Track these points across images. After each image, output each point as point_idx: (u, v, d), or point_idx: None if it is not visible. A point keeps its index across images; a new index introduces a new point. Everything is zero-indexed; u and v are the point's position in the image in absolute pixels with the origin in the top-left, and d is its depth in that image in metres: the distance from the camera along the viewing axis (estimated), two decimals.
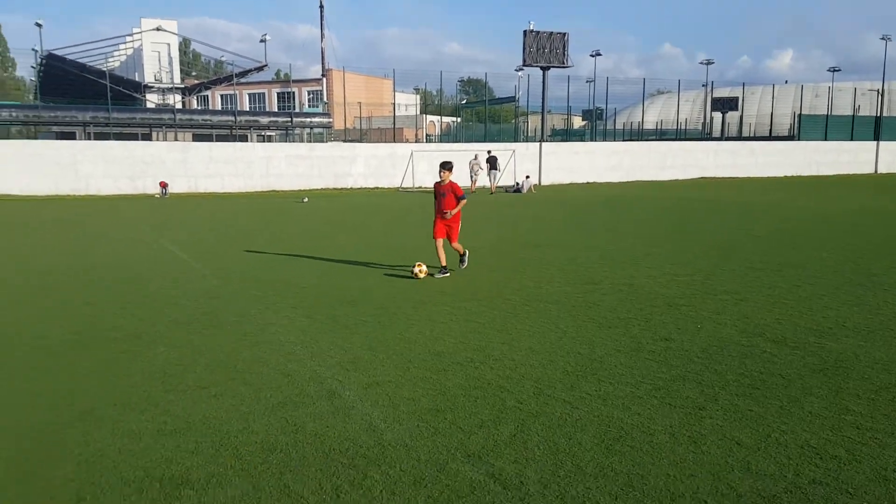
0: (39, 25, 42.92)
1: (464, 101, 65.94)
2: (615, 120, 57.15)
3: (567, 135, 49.24)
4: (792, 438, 4.10)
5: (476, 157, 32.96)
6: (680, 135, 50.83)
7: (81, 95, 44.42)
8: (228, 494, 3.48)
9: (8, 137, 39.03)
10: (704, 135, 52.15)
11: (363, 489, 3.53)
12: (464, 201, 9.87)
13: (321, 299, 8.29)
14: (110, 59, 55.07)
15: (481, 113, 50.50)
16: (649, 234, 14.79)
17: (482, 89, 52.09)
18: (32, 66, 47.30)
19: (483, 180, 32.85)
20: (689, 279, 9.27)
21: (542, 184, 39.36)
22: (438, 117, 58.12)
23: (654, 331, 6.62)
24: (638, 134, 51.86)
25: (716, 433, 4.16)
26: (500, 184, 35.84)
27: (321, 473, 3.71)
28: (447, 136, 55.14)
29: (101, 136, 37.57)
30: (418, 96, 67.22)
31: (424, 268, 9.64)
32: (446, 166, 9.95)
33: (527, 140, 44.67)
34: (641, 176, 41.85)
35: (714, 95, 50.15)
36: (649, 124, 54.51)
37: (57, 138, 41.63)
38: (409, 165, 36.57)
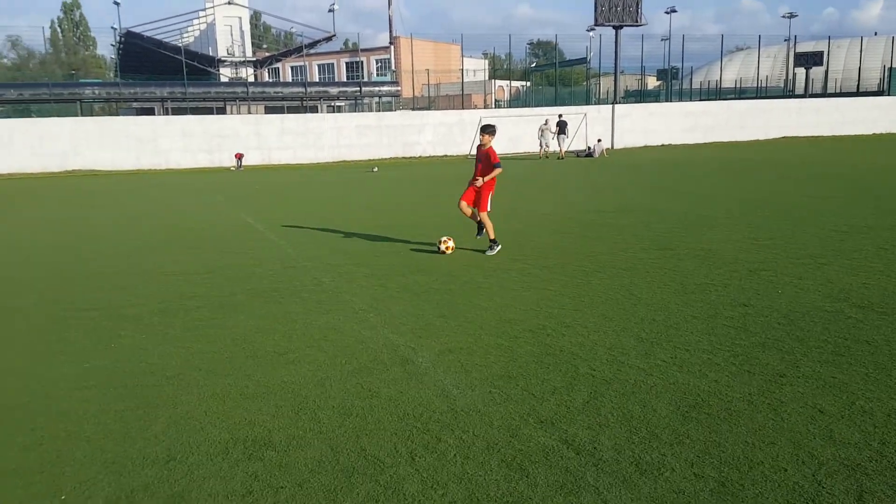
0: (117, 4, 44.38)
1: (533, 65, 64.74)
2: (691, 79, 55.05)
3: (641, 96, 47.85)
4: (878, 406, 3.92)
5: (546, 122, 32.44)
6: (760, 93, 48.68)
7: (159, 71, 45.89)
8: (308, 456, 3.60)
9: (91, 114, 40.81)
10: (786, 92, 49.73)
11: (437, 453, 3.59)
12: (498, 170, 9.08)
13: (393, 268, 8.39)
14: (185, 35, 56.57)
15: (551, 76, 49.57)
16: (727, 197, 14.29)
17: (552, 51, 51.01)
18: (112, 45, 49.21)
19: (554, 145, 32.34)
20: (769, 243, 8.93)
21: (615, 147, 38.51)
22: (507, 82, 57.34)
23: (733, 296, 6.42)
24: (715, 93, 49.84)
25: (797, 401, 4.03)
26: (570, 148, 35.26)
27: (396, 437, 3.79)
28: (516, 100, 54.46)
29: (178, 111, 38.80)
30: (487, 61, 66.43)
31: (451, 243, 9.14)
32: (486, 130, 9.20)
33: (598, 103, 43.64)
34: (719, 137, 40.39)
35: (797, 50, 47.61)
36: (727, 83, 52.25)
37: (137, 114, 43.29)
38: (478, 132, 36.38)
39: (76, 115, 36.26)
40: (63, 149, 31.28)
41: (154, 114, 42.26)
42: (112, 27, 46.77)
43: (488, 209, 9.15)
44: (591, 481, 3.21)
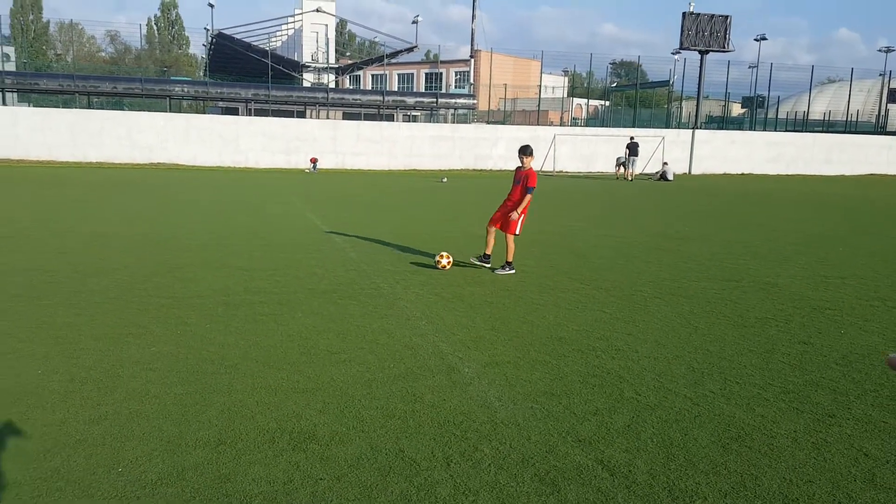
0: (212, 6, 46.35)
1: (614, 84, 64.03)
2: (777, 109, 53.44)
3: (723, 122, 46.74)
4: None
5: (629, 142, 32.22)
6: (849, 127, 46.81)
7: (245, 73, 47.52)
8: (349, 452, 3.73)
9: (179, 110, 42.60)
10: (878, 129, 47.68)
11: (473, 461, 3.67)
12: (529, 196, 8.82)
13: (450, 278, 8.51)
14: (273, 39, 58.38)
15: (631, 97, 48.95)
16: (804, 232, 13.86)
17: (634, 72, 50.28)
18: (204, 45, 51.22)
19: (633, 167, 31.97)
20: (839, 282, 8.64)
21: (692, 173, 37.83)
22: (586, 100, 56.94)
23: (793, 333, 6.26)
24: (802, 125, 48.24)
25: (843, 442, 3.93)
26: (645, 171, 34.79)
27: (434, 442, 3.89)
28: (594, 119, 54.01)
29: (260, 112, 40.09)
30: (566, 78, 66.13)
31: (445, 262, 8.87)
32: (527, 151, 9.00)
33: (679, 126, 42.87)
34: (803, 170, 39.13)
35: (892, 86, 45.60)
36: (816, 115, 50.47)
37: (222, 113, 44.96)
38: (552, 149, 36.23)
39: (165, 111, 37.95)
40: (150, 142, 32.78)
41: (238, 114, 43.82)
42: (205, 28, 48.88)
43: (517, 233, 8.99)
44: (622, 502, 3.23)
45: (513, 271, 8.97)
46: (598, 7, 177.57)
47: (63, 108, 35.56)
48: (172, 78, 46.40)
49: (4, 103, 39.14)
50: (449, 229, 13.09)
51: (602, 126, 44.37)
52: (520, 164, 9.07)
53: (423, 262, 9.45)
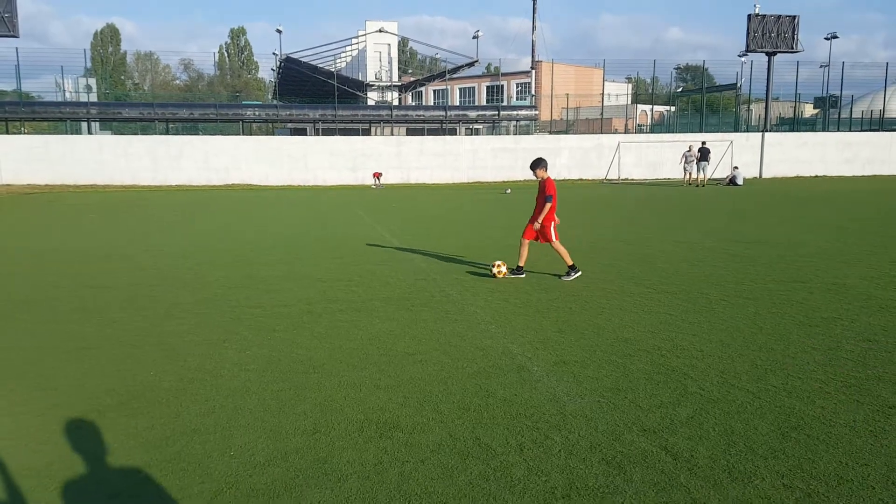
0: (279, 31, 48.07)
1: (679, 89, 63.15)
2: (851, 108, 51.68)
3: (795, 124, 45.52)
4: None
5: (690, 148, 31.85)
6: None
7: (312, 94, 49.03)
8: (430, 439, 4.11)
9: (250, 133, 44.32)
10: None
11: (544, 447, 3.99)
12: (548, 205, 9.07)
13: (516, 285, 8.83)
14: (338, 60, 60.03)
15: (698, 101, 48.24)
16: (877, 233, 13.59)
17: (700, 76, 49.57)
18: (272, 69, 53.10)
19: (696, 172, 31.60)
20: None
21: (763, 176, 37.02)
22: (650, 106, 56.37)
23: (858, 332, 6.33)
24: (878, 124, 46.51)
25: None
26: (714, 176, 34.29)
27: (508, 431, 4.22)
28: (659, 125, 53.41)
29: (327, 132, 41.33)
30: (630, 85, 65.60)
31: (496, 270, 9.20)
32: (536, 164, 9.25)
33: (748, 130, 42.02)
34: (879, 170, 37.78)
35: None
36: (892, 113, 48.62)
37: (290, 134, 46.50)
38: (616, 157, 36.10)
39: (238, 134, 39.59)
40: (225, 164, 34.28)
41: (306, 134, 45.28)
42: (273, 53, 50.77)
43: (554, 238, 9.26)
44: (683, 482, 3.50)
45: (579, 273, 9.24)
46: (662, 12, 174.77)
47: (142, 134, 37.57)
48: (244, 102, 48.36)
49: (90, 132, 41.60)
50: (513, 239, 13.39)
51: (668, 132, 43.88)
52: (537, 179, 9.34)
53: (489, 271, 9.79)
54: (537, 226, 9.21)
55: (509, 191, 28.93)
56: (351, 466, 3.77)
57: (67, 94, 43.35)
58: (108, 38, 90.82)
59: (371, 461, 3.83)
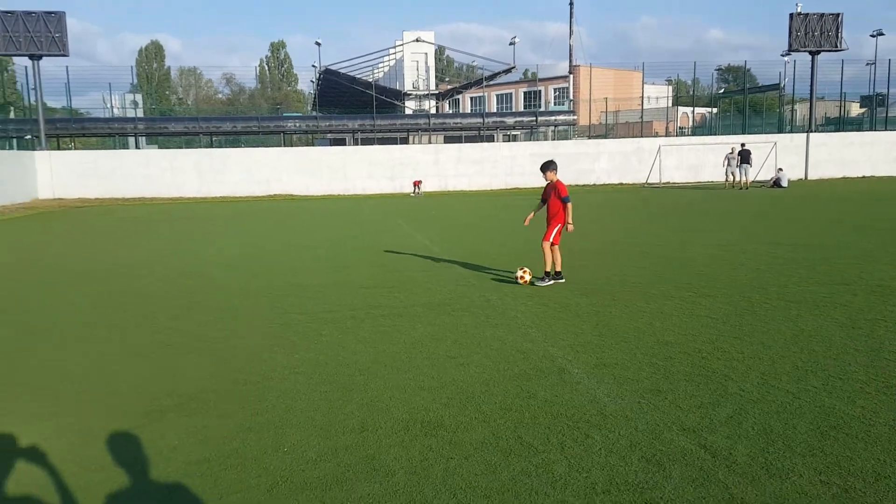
0: (318, 44, 48.94)
1: (721, 91, 62.22)
2: None
3: (841, 124, 44.53)
4: None
5: (732, 150, 31.48)
6: None
7: (351, 105, 49.68)
8: (473, 437, 4.25)
9: (290, 144, 45.12)
10: None
11: (584, 446, 4.09)
12: (569, 204, 9.18)
13: (555, 290, 8.92)
14: (376, 71, 60.77)
15: (740, 102, 47.55)
16: None
17: (742, 77, 48.77)
18: (312, 81, 53.99)
19: (738, 175, 31.17)
20: None
21: (809, 178, 36.32)
22: (691, 108, 55.74)
23: None
24: None
25: None
26: (757, 178, 33.79)
27: (549, 430, 4.34)
28: (701, 128, 52.77)
29: (366, 141, 41.90)
30: (670, 87, 64.97)
31: (527, 277, 9.19)
32: (546, 167, 9.33)
33: (793, 131, 41.28)
34: None
35: None
36: None
37: (330, 144, 47.18)
38: (657, 160, 35.80)
39: (278, 146, 40.37)
40: (267, 175, 34.97)
41: (345, 144, 45.92)
42: (312, 65, 51.53)
43: (550, 240, 9.28)
44: (721, 478, 3.58)
45: (552, 282, 9.21)
46: (702, 13, 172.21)
47: (187, 148, 38.57)
48: (285, 114, 49.25)
49: (137, 146, 42.85)
50: None
51: (710, 134, 43.35)
52: (546, 181, 9.44)
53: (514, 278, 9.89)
54: (571, 228, 9.29)
55: None
56: (398, 462, 3.94)
57: (115, 110, 44.76)
58: (152, 54, 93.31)
59: (417, 457, 3.99)
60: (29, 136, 36.81)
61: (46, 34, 32.52)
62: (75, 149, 39.27)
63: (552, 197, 9.35)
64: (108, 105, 44.34)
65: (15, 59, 35.72)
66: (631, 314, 7.49)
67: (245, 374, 5.69)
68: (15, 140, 38.10)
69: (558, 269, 9.46)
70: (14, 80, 45.32)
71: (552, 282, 9.24)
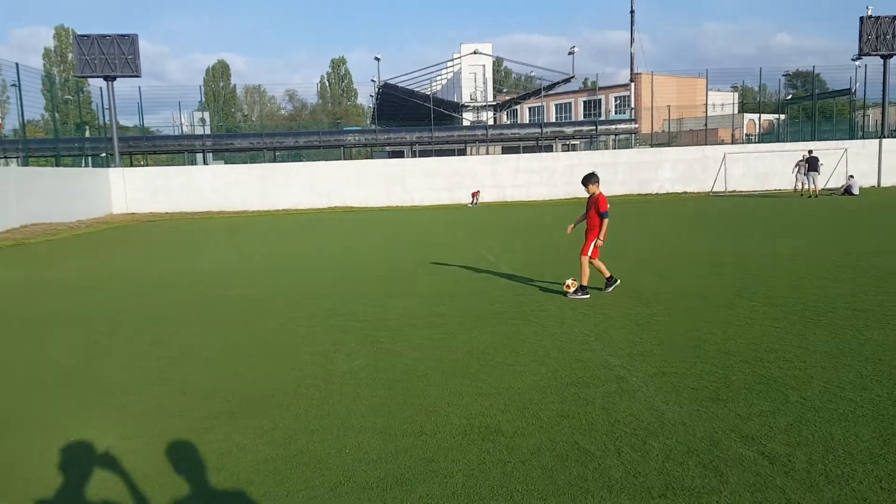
0: (377, 59, 49.74)
1: (789, 97, 60.51)
2: None
3: None
4: None
5: (803, 157, 30.61)
6: None
7: (409, 118, 50.29)
8: (530, 443, 4.32)
9: (350, 157, 45.93)
10: None
11: (642, 452, 4.11)
12: (605, 221, 9.09)
13: (615, 300, 8.89)
14: (434, 83, 61.33)
15: (809, 108, 46.16)
16: None
17: (811, 82, 47.35)
18: (371, 95, 54.88)
19: (807, 183, 30.28)
20: None
21: (882, 185, 35.00)
22: (757, 115, 54.35)
23: None
24: None
25: None
26: (828, 186, 32.75)
27: (606, 437, 4.37)
28: (768, 135, 51.43)
29: (424, 154, 42.30)
30: (735, 94, 63.51)
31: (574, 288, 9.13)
32: (588, 180, 9.26)
33: (864, 137, 39.83)
34: None
35: None
36: None
37: (388, 157, 47.82)
38: (722, 168, 35.06)
39: (339, 159, 41.16)
40: (328, 188, 35.71)
41: (403, 156, 46.49)
42: (371, 80, 52.44)
43: (588, 254, 9.21)
44: (779, 484, 3.56)
45: (587, 296, 9.07)
46: (770, 18, 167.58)
47: (251, 163, 39.72)
48: (345, 129, 50.20)
49: (204, 162, 44.36)
50: (607, 253, 13.37)
51: (777, 141, 42.19)
52: (588, 194, 9.34)
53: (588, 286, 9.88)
54: (601, 243, 9.18)
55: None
56: (456, 465, 4.03)
57: (184, 128, 46.48)
58: (219, 73, 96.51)
59: (475, 461, 4.08)
60: (104, 154, 38.55)
61: (120, 56, 34.04)
62: (146, 165, 40.88)
63: (592, 210, 9.28)
64: (178, 123, 46.10)
65: (90, 80, 37.43)
66: (692, 323, 7.41)
67: (309, 378, 5.89)
68: (90, 158, 39.96)
69: (607, 275, 9.39)
70: (90, 101, 47.59)
71: (585, 296, 9.10)
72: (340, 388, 5.58)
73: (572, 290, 9.15)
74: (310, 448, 4.38)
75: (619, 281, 9.44)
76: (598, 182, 9.34)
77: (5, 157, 37.25)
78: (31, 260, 16.33)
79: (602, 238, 9.21)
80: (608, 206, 9.23)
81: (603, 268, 9.41)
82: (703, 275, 10.46)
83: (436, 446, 4.32)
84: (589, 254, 9.27)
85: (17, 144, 37.31)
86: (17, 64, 28.06)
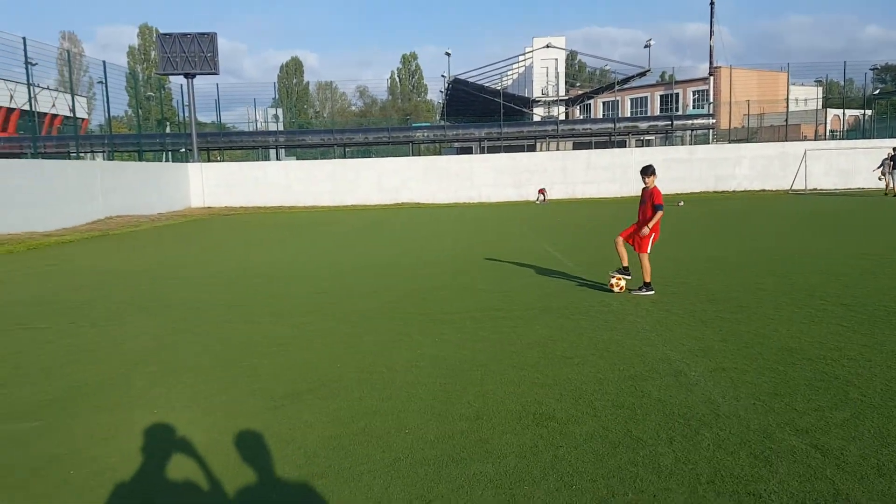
0: (448, 55, 50.01)
1: (877, 91, 57.81)
2: None
3: None
4: None
5: (889, 155, 29.27)
6: None
7: (478, 113, 50.45)
8: (583, 430, 4.45)
9: (419, 154, 46.46)
10: None
11: (693, 441, 4.19)
12: (659, 213, 9.01)
13: (680, 296, 8.85)
14: (504, 78, 61.27)
15: None
16: None
17: None
18: (441, 91, 55.24)
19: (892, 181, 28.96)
20: None
21: None
22: (842, 110, 52.17)
23: None
24: None
25: None
26: None
27: (659, 426, 4.46)
28: (854, 131, 49.31)
29: (492, 150, 42.41)
30: (819, 88, 61.11)
31: (623, 283, 9.25)
32: (647, 171, 9.25)
33: None
34: None
35: None
36: None
37: (457, 153, 48.09)
38: (802, 165, 33.88)
39: (407, 155, 41.72)
40: (396, 184, 36.27)
41: (472, 152, 46.68)
42: (442, 75, 52.74)
43: (648, 251, 9.17)
44: (829, 475, 3.59)
45: (652, 292, 9.06)
46: (857, 10, 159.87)
47: (322, 159, 40.71)
48: (414, 125, 50.76)
49: (277, 158, 45.70)
50: (680, 251, 13.22)
51: (864, 137, 40.43)
52: (644, 185, 9.33)
53: (653, 280, 9.84)
54: (646, 231, 9.12)
55: (682, 203, 28.09)
56: (509, 447, 4.21)
57: (258, 124, 48.01)
58: (292, 70, 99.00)
59: (528, 444, 4.25)
60: (183, 149, 40.29)
61: (200, 54, 35.43)
62: (223, 160, 42.44)
63: (647, 203, 9.28)
64: (252, 119, 47.67)
65: (171, 77, 39.10)
66: (757, 321, 7.34)
67: (371, 365, 6.16)
68: (170, 153, 41.81)
69: (625, 264, 9.44)
70: (170, 97, 49.78)
71: (650, 293, 9.08)
72: (402, 375, 5.83)
73: (616, 288, 9.24)
74: (372, 427, 4.63)
75: (631, 276, 9.44)
76: (655, 174, 9.37)
77: (92, 152, 39.35)
78: (116, 250, 17.31)
79: (650, 227, 9.14)
80: (662, 199, 9.23)
81: (625, 256, 9.44)
82: (775, 273, 10.26)
83: (491, 430, 4.51)
84: (648, 251, 9.27)
85: (103, 139, 39.47)
86: (104, 62, 29.68)
